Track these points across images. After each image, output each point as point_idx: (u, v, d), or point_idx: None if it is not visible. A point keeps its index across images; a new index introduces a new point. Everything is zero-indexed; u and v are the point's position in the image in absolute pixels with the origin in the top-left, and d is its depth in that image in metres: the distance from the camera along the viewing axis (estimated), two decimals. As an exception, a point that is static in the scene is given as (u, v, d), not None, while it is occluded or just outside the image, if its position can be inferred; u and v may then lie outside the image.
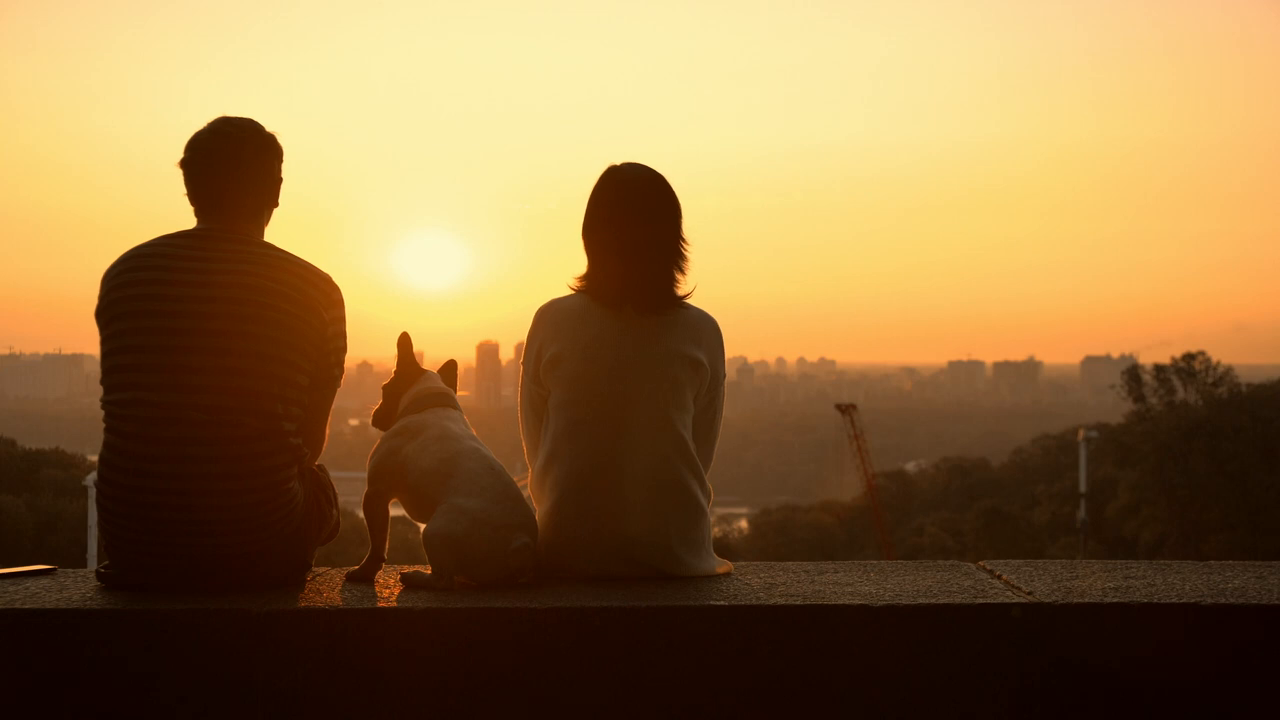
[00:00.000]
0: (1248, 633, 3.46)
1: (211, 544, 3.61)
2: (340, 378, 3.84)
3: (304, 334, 3.68)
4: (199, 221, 3.79)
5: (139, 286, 3.67)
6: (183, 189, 3.80)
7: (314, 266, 3.78)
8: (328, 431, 3.90)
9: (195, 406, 3.59)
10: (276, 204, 3.87)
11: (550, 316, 3.95)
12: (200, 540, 3.61)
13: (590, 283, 3.94)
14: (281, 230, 3.93)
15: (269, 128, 3.83)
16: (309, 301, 3.70)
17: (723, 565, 3.97)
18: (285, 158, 3.87)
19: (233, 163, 3.75)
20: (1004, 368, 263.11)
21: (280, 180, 3.86)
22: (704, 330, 3.97)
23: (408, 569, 3.83)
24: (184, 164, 3.77)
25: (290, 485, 3.69)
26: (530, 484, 3.96)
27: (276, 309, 3.65)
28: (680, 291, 3.94)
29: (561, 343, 3.90)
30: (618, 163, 3.97)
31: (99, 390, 3.75)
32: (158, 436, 3.60)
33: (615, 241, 3.90)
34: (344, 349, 3.82)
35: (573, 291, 3.97)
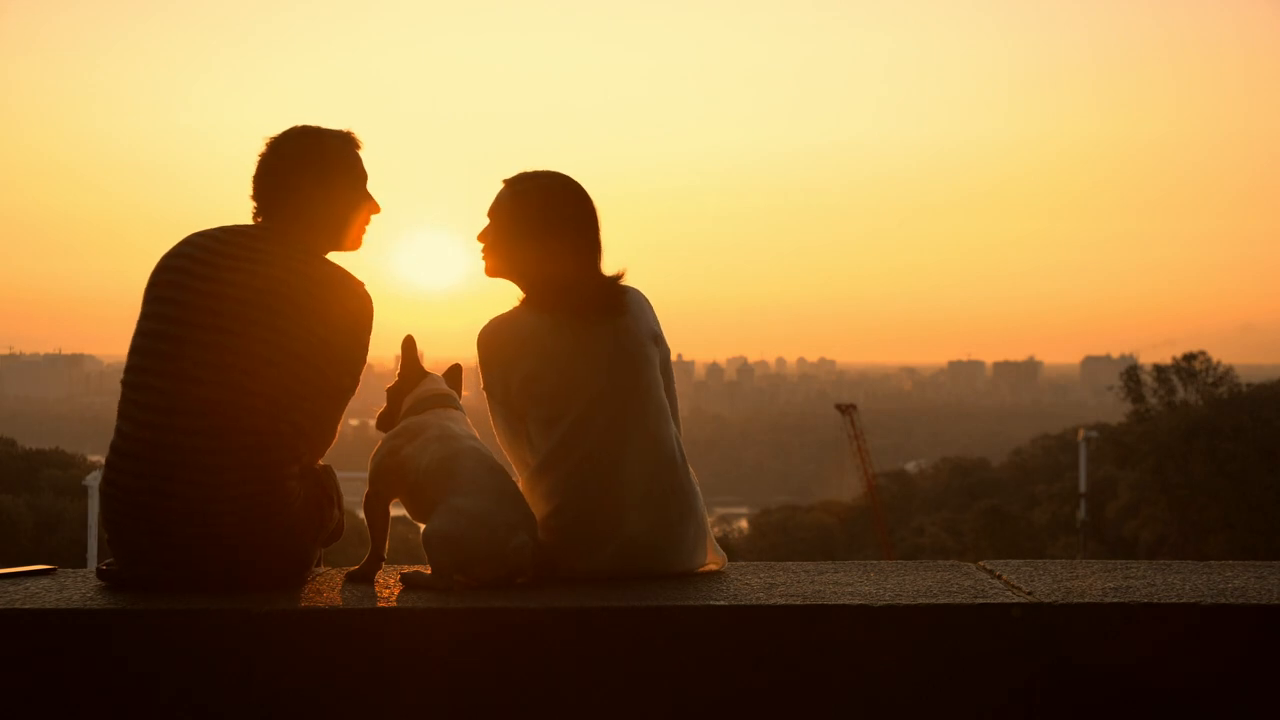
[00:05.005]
0: (1248, 633, 3.47)
1: (209, 539, 3.61)
2: (352, 389, 3.81)
3: (315, 341, 3.68)
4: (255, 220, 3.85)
5: (171, 273, 3.72)
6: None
7: (348, 277, 3.77)
8: (334, 437, 3.88)
9: (192, 398, 3.61)
10: (349, 210, 3.86)
11: (507, 338, 3.89)
12: (198, 534, 3.60)
13: (542, 295, 3.89)
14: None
15: (344, 131, 3.87)
16: (324, 309, 3.70)
17: (717, 559, 3.96)
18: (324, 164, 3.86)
19: (273, 164, 3.81)
20: (1004, 368, 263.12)
21: (342, 188, 3.84)
22: (646, 304, 3.98)
23: (408, 569, 3.83)
24: (255, 168, 3.86)
25: (289, 484, 3.69)
26: (523, 490, 3.94)
27: (283, 314, 3.66)
28: (619, 280, 3.93)
29: (530, 362, 3.85)
30: (514, 174, 3.95)
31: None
32: (158, 424, 3.62)
33: (565, 250, 3.87)
34: (359, 360, 3.79)
35: (519, 306, 3.92)
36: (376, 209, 3.92)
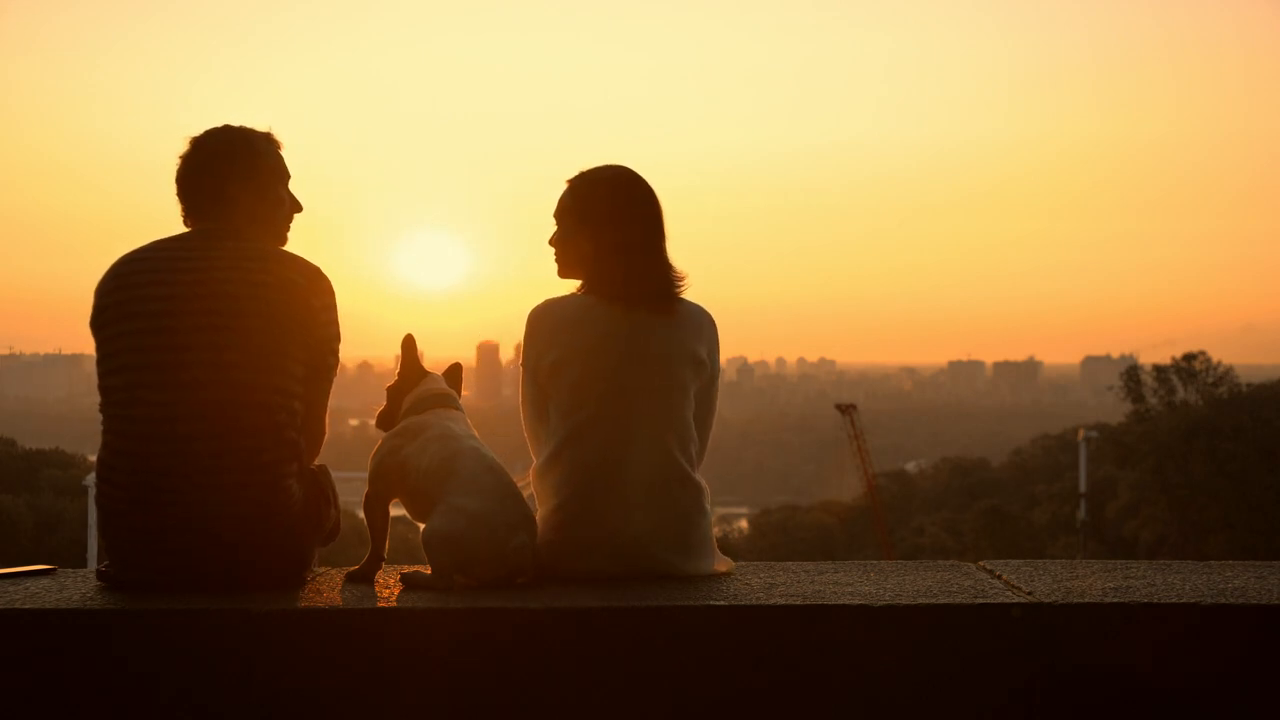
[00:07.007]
0: (1248, 633, 3.47)
1: (209, 541, 3.62)
2: (336, 365, 3.87)
3: (294, 327, 3.71)
4: (188, 222, 3.85)
5: (132, 290, 3.71)
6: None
7: (301, 259, 3.82)
8: (327, 424, 3.92)
9: (193, 403, 3.61)
10: (279, 206, 3.91)
11: (549, 321, 3.92)
12: (198, 538, 3.62)
13: (594, 281, 3.93)
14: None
15: (265, 130, 3.90)
16: (298, 293, 3.73)
17: (724, 563, 3.97)
18: (288, 158, 3.94)
19: (215, 164, 3.82)
20: (1004, 368, 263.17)
21: (273, 184, 3.89)
22: (705, 326, 3.96)
23: (408, 569, 3.83)
24: (179, 168, 3.85)
25: (288, 483, 3.70)
26: (532, 481, 3.96)
27: (267, 302, 3.68)
28: (679, 286, 3.94)
29: (562, 348, 3.87)
30: (591, 166, 3.98)
31: (98, 391, 3.77)
32: (156, 434, 3.62)
33: (616, 238, 3.89)
34: (337, 336, 3.84)
35: (574, 291, 3.96)
36: (300, 208, 3.98)
